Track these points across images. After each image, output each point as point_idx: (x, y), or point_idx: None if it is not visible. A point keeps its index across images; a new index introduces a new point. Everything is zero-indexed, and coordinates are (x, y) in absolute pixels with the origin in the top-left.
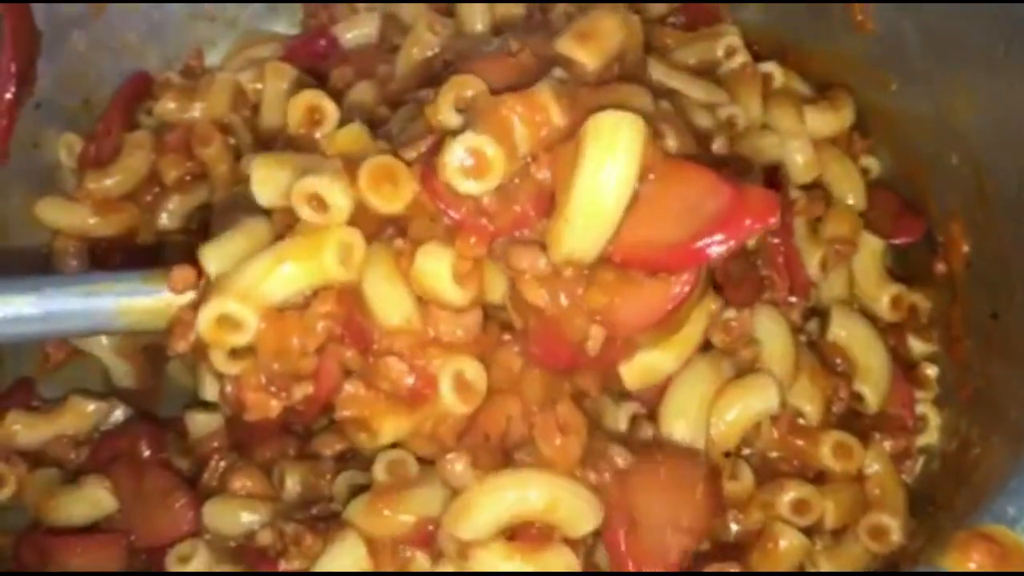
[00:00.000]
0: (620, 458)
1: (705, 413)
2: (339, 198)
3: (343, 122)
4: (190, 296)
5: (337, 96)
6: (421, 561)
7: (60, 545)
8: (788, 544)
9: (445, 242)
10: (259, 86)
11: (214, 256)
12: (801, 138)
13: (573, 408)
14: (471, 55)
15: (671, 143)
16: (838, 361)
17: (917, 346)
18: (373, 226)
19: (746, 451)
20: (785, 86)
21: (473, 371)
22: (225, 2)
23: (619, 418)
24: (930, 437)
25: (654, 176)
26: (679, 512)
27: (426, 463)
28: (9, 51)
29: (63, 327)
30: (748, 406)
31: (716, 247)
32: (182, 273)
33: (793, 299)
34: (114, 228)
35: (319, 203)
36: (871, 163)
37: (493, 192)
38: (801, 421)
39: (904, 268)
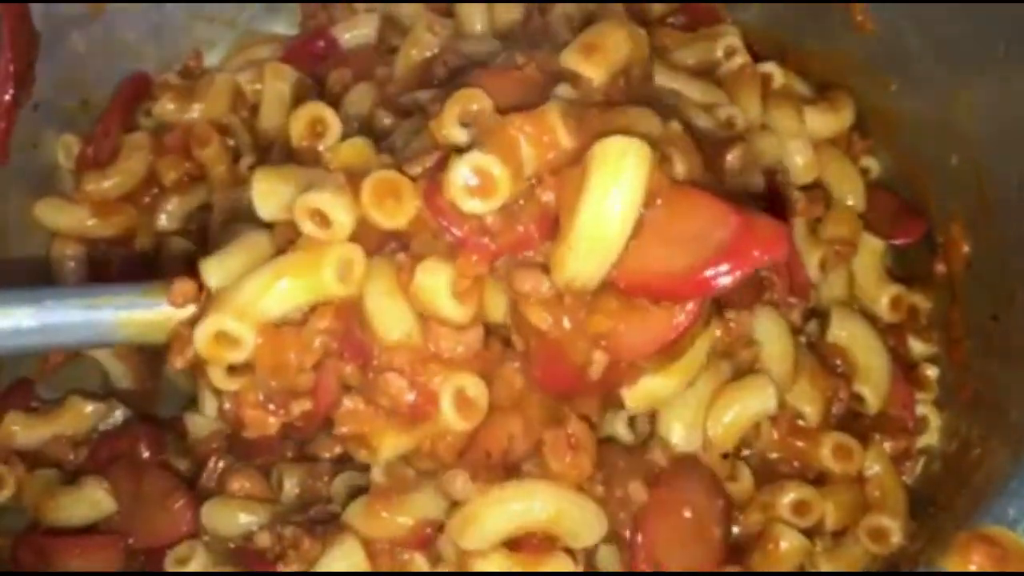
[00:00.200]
0: (638, 494)
1: (703, 414)
2: (341, 214)
3: (343, 125)
4: (190, 309)
5: (335, 99)
6: (419, 563)
7: (59, 546)
8: (788, 545)
9: (446, 259)
10: (258, 87)
11: (215, 271)
12: (801, 139)
13: (584, 426)
14: (476, 67)
15: (679, 168)
16: (838, 362)
17: (917, 347)
18: (375, 240)
19: (746, 452)
20: (785, 87)
21: (475, 388)
22: (224, 3)
23: (617, 424)
24: (930, 438)
25: (661, 202)
26: (694, 554)
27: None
28: (8, 52)
29: (63, 339)
30: (746, 407)
31: (723, 278)
32: (182, 287)
33: (793, 300)
34: (113, 229)
35: (322, 218)
36: (871, 164)
37: (497, 212)
38: (801, 422)
39: (904, 269)
